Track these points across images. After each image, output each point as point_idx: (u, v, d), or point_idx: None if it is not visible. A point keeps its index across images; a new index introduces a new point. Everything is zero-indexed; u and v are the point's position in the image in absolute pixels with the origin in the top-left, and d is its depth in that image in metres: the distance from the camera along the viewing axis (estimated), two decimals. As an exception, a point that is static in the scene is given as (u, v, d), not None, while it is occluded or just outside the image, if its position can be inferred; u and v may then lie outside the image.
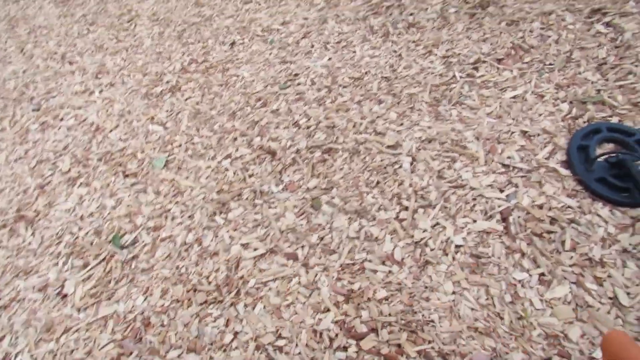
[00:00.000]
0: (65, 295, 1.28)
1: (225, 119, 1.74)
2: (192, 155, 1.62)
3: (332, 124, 1.57)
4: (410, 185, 1.31)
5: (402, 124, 1.52)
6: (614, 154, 1.23)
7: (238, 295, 1.16)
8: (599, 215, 1.15)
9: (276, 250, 1.24)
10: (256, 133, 1.63)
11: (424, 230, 1.19)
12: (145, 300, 1.21)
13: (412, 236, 1.19)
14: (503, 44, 1.71)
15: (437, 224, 1.20)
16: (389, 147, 1.44)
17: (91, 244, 1.41)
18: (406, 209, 1.26)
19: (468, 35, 1.80)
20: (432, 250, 1.15)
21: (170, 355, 1.08)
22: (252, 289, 1.16)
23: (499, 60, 1.65)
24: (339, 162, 1.44)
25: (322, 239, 1.24)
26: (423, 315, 1.06)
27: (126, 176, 1.61)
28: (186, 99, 1.90)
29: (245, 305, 1.14)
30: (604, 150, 1.29)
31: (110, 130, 1.85)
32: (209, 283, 1.21)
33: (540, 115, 1.43)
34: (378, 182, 1.35)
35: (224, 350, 1.06)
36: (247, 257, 1.24)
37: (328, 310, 1.09)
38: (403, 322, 1.05)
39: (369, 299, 1.09)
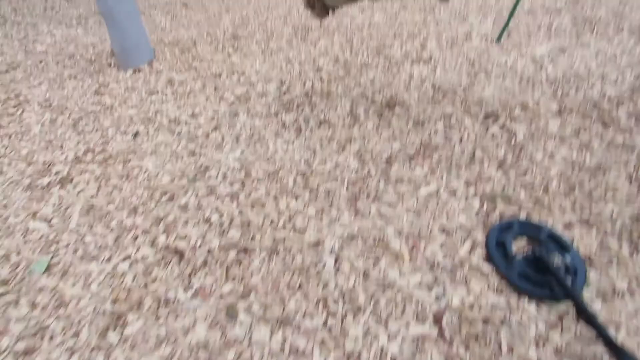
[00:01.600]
0: None
1: (124, 214, 1.55)
2: (82, 257, 1.39)
3: (248, 220, 1.46)
4: (336, 286, 1.22)
5: (321, 220, 1.45)
6: (530, 251, 1.26)
7: None
8: (527, 313, 1.13)
9: (185, 371, 1.05)
10: (161, 230, 1.46)
11: (355, 339, 1.08)
12: None
13: (343, 346, 1.07)
14: (412, 142, 1.77)
15: (369, 330, 1.10)
16: (310, 245, 1.35)
17: None
18: (334, 315, 1.15)
19: (379, 133, 1.85)
20: (366, 362, 1.04)
21: None
22: None
23: (410, 158, 1.69)
24: (257, 263, 1.31)
25: (239, 355, 1.07)
26: None
27: (-6, 285, 1.32)
28: (78, 192, 1.69)
29: None
30: (519, 245, 1.32)
31: (-21, 229, 1.55)
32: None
33: (454, 211, 1.45)
34: (301, 285, 1.24)
35: None
36: (148, 383, 1.02)
37: None
38: None
39: None
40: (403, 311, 1.15)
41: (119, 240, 1.44)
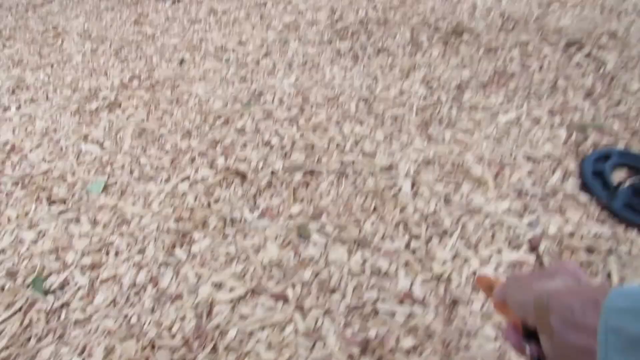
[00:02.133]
0: (-42, 362, 0.91)
1: (178, 137, 1.47)
2: (139, 178, 1.32)
3: (311, 143, 1.36)
4: (415, 210, 1.12)
5: (391, 145, 1.34)
6: (637, 180, 1.14)
7: (215, 351, 0.87)
8: (638, 245, 1.02)
9: (259, 290, 0.98)
10: (219, 153, 1.37)
11: (444, 262, 0.99)
12: (80, 363, 0.88)
13: (431, 269, 0.98)
14: (484, 70, 1.63)
15: (458, 254, 1.01)
16: (382, 169, 1.25)
17: (2, 289, 1.05)
18: (417, 237, 1.05)
19: (446, 61, 1.70)
20: (458, 286, 0.95)
21: None
22: (234, 342, 0.88)
23: (484, 86, 1.55)
24: (325, 186, 1.22)
25: (317, 274, 1.00)
26: (458, 368, 0.83)
27: (51, 203, 1.27)
28: (128, 117, 1.61)
29: (227, 364, 0.85)
30: (619, 176, 1.19)
31: (30, 150, 1.49)
32: (173, 336, 0.90)
33: (539, 139, 1.32)
34: (376, 208, 1.14)
35: None
36: (221, 299, 0.96)
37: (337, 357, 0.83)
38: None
39: (391, 350, 0.85)
40: (493, 237, 1.05)
41: (176, 162, 1.36)
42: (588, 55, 1.65)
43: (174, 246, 1.09)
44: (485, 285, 0.77)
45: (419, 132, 1.38)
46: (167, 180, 1.29)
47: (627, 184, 1.14)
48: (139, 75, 1.83)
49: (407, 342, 0.86)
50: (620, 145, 1.28)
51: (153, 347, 0.89)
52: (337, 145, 1.35)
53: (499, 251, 1.01)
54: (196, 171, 1.31)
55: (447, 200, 1.15)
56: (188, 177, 1.29)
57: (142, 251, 1.09)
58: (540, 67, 1.61)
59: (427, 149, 1.31)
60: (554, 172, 1.22)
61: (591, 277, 0.96)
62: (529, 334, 0.52)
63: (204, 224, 1.14)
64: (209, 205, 1.20)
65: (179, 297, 0.98)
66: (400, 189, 1.18)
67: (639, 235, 1.04)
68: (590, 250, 1.01)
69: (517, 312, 0.53)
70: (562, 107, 1.44)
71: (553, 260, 0.98)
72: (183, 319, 0.93)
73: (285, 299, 0.95)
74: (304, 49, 1.88)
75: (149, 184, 1.28)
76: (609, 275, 0.96)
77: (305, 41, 1.94)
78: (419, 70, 1.66)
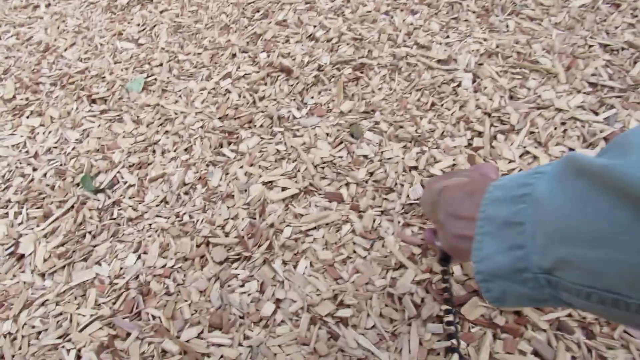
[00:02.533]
0: (21, 256, 0.93)
1: (216, 33, 1.37)
2: (178, 76, 1.25)
3: (360, 35, 1.25)
4: (478, 106, 1.03)
5: (448, 37, 1.21)
6: None
7: (271, 249, 0.86)
8: None
9: (313, 189, 0.94)
10: (260, 48, 1.28)
11: (511, 161, 0.92)
12: (138, 259, 0.89)
13: (497, 168, 0.91)
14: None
15: (526, 152, 0.93)
16: (439, 62, 1.14)
17: (52, 188, 1.05)
18: (480, 134, 0.98)
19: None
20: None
21: (187, 335, 0.77)
22: (290, 241, 0.86)
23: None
24: (376, 81, 1.13)
25: (371, 174, 0.95)
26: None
27: (93, 102, 1.23)
28: (161, 12, 1.51)
29: (284, 263, 0.83)
30: None
31: (65, 49, 1.44)
32: (227, 235, 0.89)
33: (619, 26, 1.16)
34: (433, 104, 1.06)
35: (266, 327, 0.76)
36: (274, 199, 0.93)
37: (403, 266, 0.80)
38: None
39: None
40: (565, 133, 0.95)
41: (216, 59, 1.28)
42: None
43: (221, 145, 1.05)
44: None
45: (479, 20, 1.24)
46: (209, 77, 1.23)
47: None
48: (169, -34, 1.69)
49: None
50: None
51: (208, 244, 0.88)
52: (389, 36, 1.23)
53: (572, 149, 0.93)
54: (238, 68, 1.24)
55: (512, 95, 1.04)
56: (230, 74, 1.22)
57: (188, 150, 1.06)
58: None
59: (489, 39, 1.18)
60: (635, 63, 1.08)
61: None
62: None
63: (251, 122, 1.09)
64: (254, 102, 1.14)
65: (230, 196, 0.95)
66: (459, 84, 1.08)
67: None
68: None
69: (424, 212, 0.61)
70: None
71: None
72: (236, 217, 0.91)
73: (340, 199, 0.91)
74: None
75: (190, 82, 1.22)
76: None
77: None
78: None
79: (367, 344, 0.71)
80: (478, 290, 0.71)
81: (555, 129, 0.96)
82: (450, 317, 0.56)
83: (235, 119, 1.10)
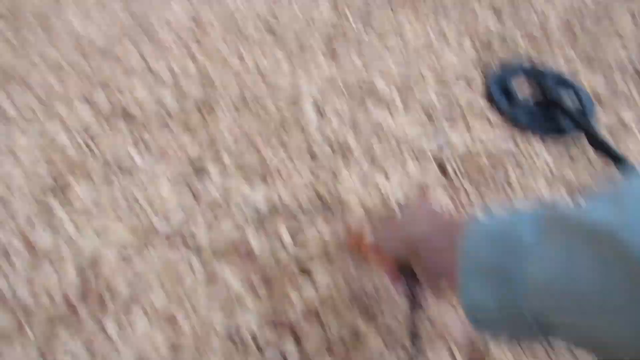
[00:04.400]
0: None
1: (51, 75, 1.26)
2: (2, 124, 1.12)
3: (207, 73, 1.22)
4: (322, 135, 1.05)
5: (295, 70, 1.24)
6: (538, 92, 1.14)
7: (104, 306, 0.77)
8: (536, 150, 1.04)
9: (153, 235, 0.87)
10: (100, 90, 1.20)
11: (352, 187, 0.94)
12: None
13: (338, 195, 0.92)
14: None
15: (365, 175, 0.96)
16: (286, 95, 1.15)
17: None
18: (322, 165, 0.99)
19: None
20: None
21: None
22: (125, 295, 0.78)
23: (392, 4, 1.46)
24: (224, 118, 1.11)
25: (215, 214, 0.91)
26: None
27: None
28: (-13, 55, 1.36)
29: (118, 321, 0.75)
30: (522, 89, 1.19)
31: None
32: (52, 299, 0.79)
33: (448, 56, 1.28)
34: (279, 136, 1.06)
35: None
36: (109, 250, 0.85)
37: (244, 298, 0.77)
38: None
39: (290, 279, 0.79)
40: (401, 153, 1.01)
41: (49, 102, 1.17)
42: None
43: (49, 197, 0.95)
44: (355, 240, 0.78)
45: (324, 54, 1.29)
46: (39, 123, 1.11)
47: (528, 95, 1.14)
48: (-2, 6, 1.54)
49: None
50: (523, 59, 1.27)
51: (29, 314, 0.77)
52: (236, 72, 1.23)
53: (407, 172, 0.98)
54: (73, 111, 1.14)
55: (354, 123, 1.08)
56: (64, 119, 1.12)
57: (7, 205, 0.94)
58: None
59: (332, 71, 1.22)
60: (460, 87, 1.19)
61: (492, 186, 0.96)
62: (403, 267, 0.60)
63: (84, 168, 1.00)
64: (89, 148, 1.05)
65: (57, 252, 0.85)
66: (305, 115, 1.10)
67: (536, 145, 1.06)
68: (492, 162, 1.00)
69: (391, 255, 0.62)
70: (470, 24, 1.39)
71: (458, 173, 0.97)
72: (64, 277, 0.81)
73: (183, 243, 0.86)
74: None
75: (14, 130, 1.10)
76: (509, 185, 0.96)
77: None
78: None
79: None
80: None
81: (393, 153, 1.01)
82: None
83: (66, 166, 1.01)
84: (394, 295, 0.77)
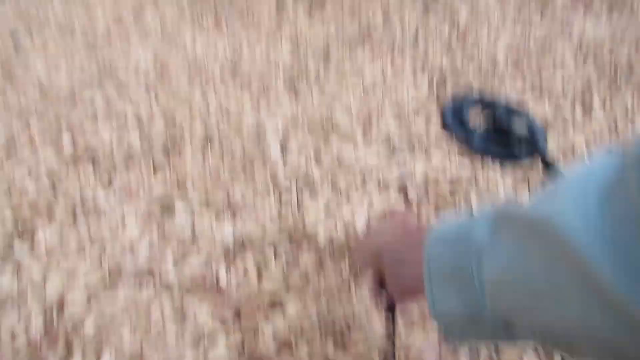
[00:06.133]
0: None
1: (13, 119, 1.27)
2: (-36, 171, 1.11)
3: (172, 114, 1.25)
4: (286, 170, 1.08)
5: (259, 108, 1.28)
6: (490, 120, 1.21)
7: (69, 347, 0.76)
8: (494, 174, 1.10)
9: (119, 273, 0.87)
10: (65, 133, 1.21)
11: (317, 217, 0.96)
12: None
13: (304, 227, 0.95)
14: (350, 28, 1.62)
15: (329, 205, 0.99)
16: (250, 132, 1.19)
17: None
18: (287, 198, 1.02)
19: (312, 21, 1.67)
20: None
21: None
22: (92, 334, 0.77)
23: (350, 43, 1.54)
24: (189, 157, 1.13)
25: (183, 249, 0.92)
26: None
27: None
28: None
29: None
30: (476, 118, 1.26)
31: None
32: (15, 341, 0.77)
33: (404, 89, 1.35)
34: (245, 172, 1.08)
35: None
36: (75, 290, 0.84)
37: (215, 333, 0.77)
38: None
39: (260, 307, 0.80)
40: (364, 186, 1.05)
41: (12, 146, 1.17)
42: (444, 9, 1.72)
43: (12, 241, 0.94)
44: None
45: (286, 92, 1.34)
46: (2, 171, 1.11)
47: (482, 124, 1.21)
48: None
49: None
50: (476, 91, 1.35)
51: (-9, 357, 0.75)
52: (200, 113, 1.26)
53: (370, 199, 1.01)
54: (37, 155, 1.14)
55: (317, 157, 1.12)
56: (27, 163, 1.12)
57: (-28, 251, 0.92)
58: (402, 23, 1.64)
59: (295, 108, 1.27)
60: (418, 119, 1.25)
61: (453, 210, 1.00)
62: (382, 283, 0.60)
63: (49, 211, 1.00)
64: (54, 190, 1.05)
65: (22, 296, 0.84)
66: (269, 151, 1.13)
67: (494, 171, 1.11)
68: (453, 188, 1.05)
69: (366, 269, 0.62)
70: (424, 60, 1.48)
71: (420, 199, 1.01)
72: (28, 319, 0.80)
73: (151, 278, 0.86)
74: (161, 11, 1.72)
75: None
76: (471, 208, 1.00)
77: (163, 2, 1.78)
78: (284, 30, 1.61)
79: None
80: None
81: (356, 182, 1.05)
82: None
83: (30, 209, 1.00)
84: (367, 321, 0.79)
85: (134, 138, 1.17)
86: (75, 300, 0.82)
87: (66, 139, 1.18)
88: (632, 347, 0.26)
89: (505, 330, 0.35)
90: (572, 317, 0.28)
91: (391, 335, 0.60)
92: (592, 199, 0.27)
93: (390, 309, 0.61)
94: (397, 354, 0.62)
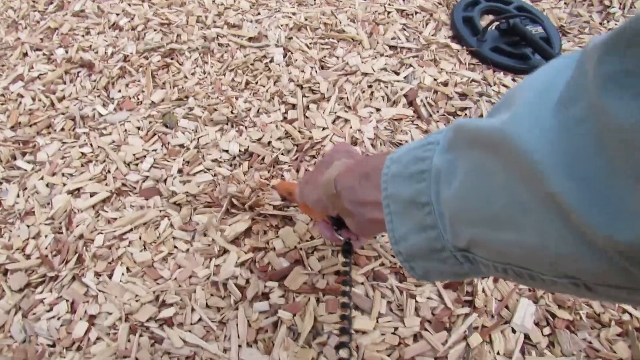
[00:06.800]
0: None
1: (2, 31, 1.20)
2: (-43, 86, 1.07)
3: (167, 20, 1.18)
4: (291, 80, 1.03)
5: (259, 14, 1.20)
6: (503, 21, 1.12)
7: (81, 263, 0.77)
8: (504, 85, 1.03)
9: (126, 189, 0.87)
10: (57, 44, 1.15)
11: (324, 128, 0.93)
12: None
13: (311, 138, 0.92)
14: None
15: (338, 117, 0.96)
16: (250, 39, 1.12)
17: None
18: (293, 106, 0.98)
19: None
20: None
21: (-17, 380, 0.67)
22: (103, 249, 0.78)
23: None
24: (188, 66, 1.08)
25: (188, 162, 0.90)
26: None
27: None
28: None
29: (97, 275, 0.76)
30: (487, 21, 1.17)
31: None
32: (28, 257, 0.79)
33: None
34: (248, 83, 1.04)
35: (79, 349, 0.69)
36: (82, 207, 0.84)
37: (226, 251, 0.78)
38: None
39: (275, 226, 0.80)
40: (372, 95, 1.00)
41: (3, 60, 1.12)
42: None
43: (14, 158, 0.92)
44: (284, 191, 0.77)
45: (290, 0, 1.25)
46: (-4, 82, 1.07)
47: (493, 27, 1.13)
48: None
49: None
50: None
51: (5, 273, 0.76)
52: (197, 19, 1.18)
53: (378, 109, 0.97)
54: (31, 68, 1.10)
55: (323, 65, 1.07)
56: (21, 77, 1.07)
57: (-25, 168, 0.91)
58: None
59: (297, 13, 1.19)
60: (426, 24, 1.18)
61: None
62: (337, 222, 0.57)
63: (49, 126, 0.97)
64: (52, 105, 1.01)
65: (30, 213, 0.84)
66: (272, 59, 1.07)
67: (505, 76, 1.06)
68: (463, 95, 1.01)
69: (317, 210, 0.57)
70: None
71: (430, 110, 0.97)
72: (38, 236, 0.81)
73: (159, 195, 0.85)
74: None
75: (-27, 90, 1.05)
76: (481, 116, 0.97)
77: None
78: None
79: (194, 340, 0.68)
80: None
81: (363, 92, 1.00)
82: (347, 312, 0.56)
83: (30, 125, 0.98)
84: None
85: (130, 47, 1.11)
86: (84, 218, 0.82)
87: (60, 50, 1.12)
88: (591, 273, 0.24)
89: (467, 264, 0.34)
90: (533, 240, 0.26)
91: (348, 272, 0.58)
92: (547, 104, 0.24)
93: (347, 249, 0.58)
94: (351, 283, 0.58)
